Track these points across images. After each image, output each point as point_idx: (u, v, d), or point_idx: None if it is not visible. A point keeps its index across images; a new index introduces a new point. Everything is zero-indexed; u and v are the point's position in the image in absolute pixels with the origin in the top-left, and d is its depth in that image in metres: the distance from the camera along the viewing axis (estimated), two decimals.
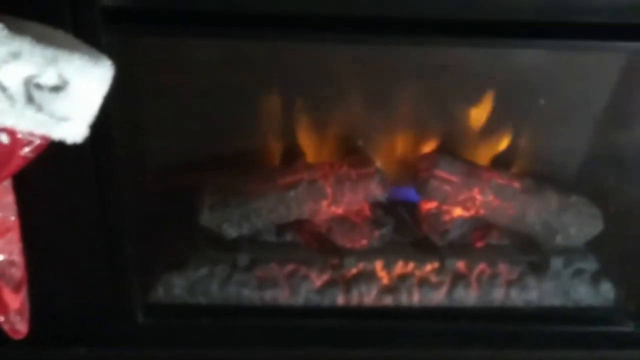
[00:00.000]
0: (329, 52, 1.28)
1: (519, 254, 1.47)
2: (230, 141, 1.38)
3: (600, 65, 1.35)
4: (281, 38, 1.11)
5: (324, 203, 1.35)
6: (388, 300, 1.43)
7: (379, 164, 1.39)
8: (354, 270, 1.44)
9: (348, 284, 1.43)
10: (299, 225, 1.42)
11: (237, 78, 1.29)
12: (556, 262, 1.46)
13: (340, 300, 1.42)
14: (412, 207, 1.46)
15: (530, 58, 1.31)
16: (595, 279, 1.48)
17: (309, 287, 1.41)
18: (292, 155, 1.39)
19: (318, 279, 1.42)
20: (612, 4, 1.03)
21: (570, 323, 1.46)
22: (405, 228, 1.46)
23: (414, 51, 1.28)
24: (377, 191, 1.36)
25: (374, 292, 1.43)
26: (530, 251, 1.47)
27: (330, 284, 1.43)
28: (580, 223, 1.41)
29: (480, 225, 1.48)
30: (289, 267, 1.43)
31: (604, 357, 1.47)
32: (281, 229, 1.43)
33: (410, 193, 1.43)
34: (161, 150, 1.34)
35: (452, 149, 1.43)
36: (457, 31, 1.05)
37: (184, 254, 1.40)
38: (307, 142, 1.38)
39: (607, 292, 1.48)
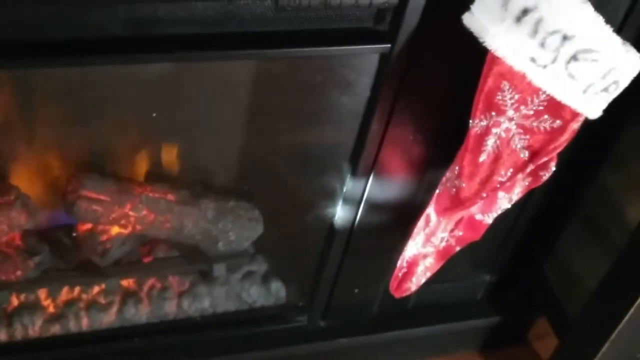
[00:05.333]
0: None
1: (188, 264, 1.47)
2: None
3: (239, 72, 1.36)
4: None
5: None
6: (56, 329, 1.38)
7: (22, 190, 1.32)
8: (15, 303, 1.37)
9: (9, 318, 1.36)
10: None
11: None
12: (223, 268, 1.46)
13: (2, 336, 1.36)
14: (70, 230, 1.41)
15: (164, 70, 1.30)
16: (266, 279, 1.51)
17: None
18: None
19: None
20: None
21: (245, 326, 1.49)
22: (66, 253, 1.41)
23: (51, 72, 1.24)
24: (21, 219, 1.31)
25: (39, 322, 1.38)
26: (199, 260, 1.47)
27: None
28: (239, 227, 1.43)
29: (148, 240, 1.46)
30: None
31: (282, 354, 1.50)
32: None
33: (65, 216, 1.39)
34: None
35: (105, 167, 1.40)
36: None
37: None
38: None
39: (278, 290, 1.51)
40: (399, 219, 1.34)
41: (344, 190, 1.31)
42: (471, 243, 1.30)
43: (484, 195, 1.14)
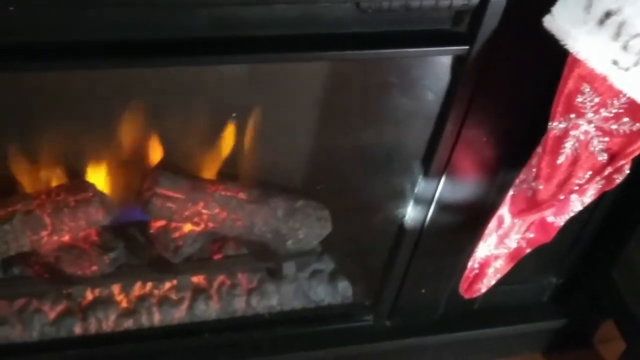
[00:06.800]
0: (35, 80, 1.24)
1: (257, 262, 1.49)
2: None
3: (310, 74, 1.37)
4: None
5: (44, 233, 1.32)
6: (128, 324, 1.41)
7: (99, 187, 1.36)
8: (89, 297, 1.41)
9: (84, 312, 1.39)
10: (26, 257, 1.37)
11: None
12: (292, 266, 1.48)
13: (77, 329, 1.39)
14: (143, 227, 1.44)
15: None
16: (333, 278, 1.52)
17: (42, 321, 1.38)
18: (7, 187, 1.34)
19: (52, 311, 1.39)
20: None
21: (312, 324, 1.50)
22: (139, 249, 1.44)
23: (122, 72, 1.26)
24: (98, 215, 1.34)
25: (112, 317, 1.41)
26: (267, 258, 1.49)
27: (65, 315, 1.39)
28: (308, 226, 1.44)
29: (218, 238, 1.48)
30: (19, 302, 1.38)
31: (348, 353, 1.51)
32: (7, 263, 1.37)
33: (140, 213, 1.41)
34: None
35: (178, 165, 1.42)
36: (135, 52, 1.03)
37: None
38: (23, 172, 1.34)
39: (344, 289, 1.52)
40: (470, 220, 1.34)
41: (415, 191, 1.32)
42: (540, 245, 1.29)
43: (561, 197, 1.14)
